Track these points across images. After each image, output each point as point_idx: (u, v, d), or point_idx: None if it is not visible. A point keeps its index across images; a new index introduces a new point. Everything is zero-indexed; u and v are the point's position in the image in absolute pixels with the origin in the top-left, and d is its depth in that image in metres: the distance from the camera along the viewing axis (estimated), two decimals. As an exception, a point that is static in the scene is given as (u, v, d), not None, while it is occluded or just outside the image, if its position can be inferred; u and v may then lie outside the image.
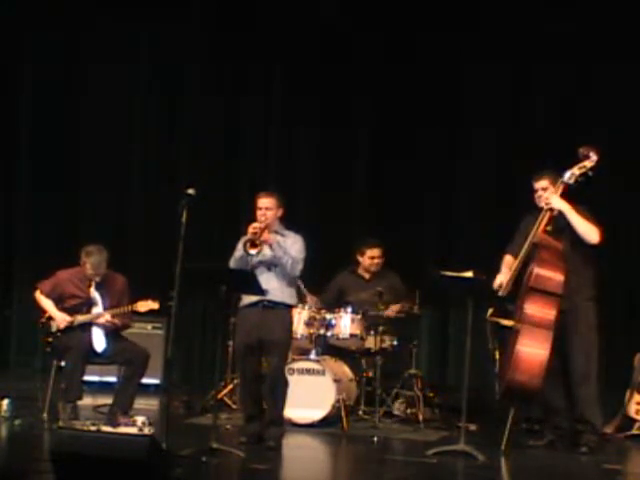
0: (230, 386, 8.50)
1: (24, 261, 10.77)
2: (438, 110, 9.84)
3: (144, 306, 7.72)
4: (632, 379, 7.90)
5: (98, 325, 7.71)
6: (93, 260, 7.73)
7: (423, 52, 9.86)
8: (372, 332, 8.26)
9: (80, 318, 7.70)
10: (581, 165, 7.06)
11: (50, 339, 7.73)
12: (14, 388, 8.48)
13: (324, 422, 7.84)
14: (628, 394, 7.88)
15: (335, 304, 8.57)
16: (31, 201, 10.85)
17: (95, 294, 7.80)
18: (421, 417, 8.09)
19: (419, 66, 9.85)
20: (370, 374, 8.29)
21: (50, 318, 7.73)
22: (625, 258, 9.32)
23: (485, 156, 9.83)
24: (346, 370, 8.26)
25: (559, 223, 7.06)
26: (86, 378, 7.86)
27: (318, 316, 8.26)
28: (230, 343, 8.56)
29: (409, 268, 8.81)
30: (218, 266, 6.99)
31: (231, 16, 10.37)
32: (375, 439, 7.46)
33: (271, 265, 7.00)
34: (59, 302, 7.77)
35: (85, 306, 7.77)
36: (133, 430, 6.76)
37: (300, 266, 7.04)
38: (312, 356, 8.08)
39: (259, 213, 7.01)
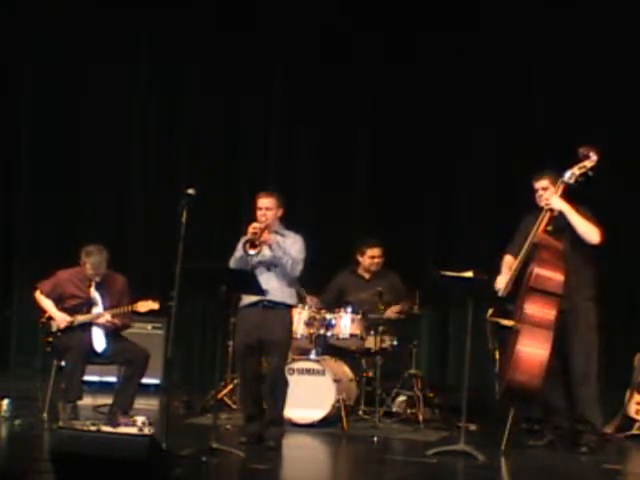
0: (230, 386, 8.49)
1: (24, 261, 10.76)
2: (438, 110, 9.83)
3: (144, 306, 7.72)
4: (632, 379, 7.90)
5: (98, 325, 7.71)
6: (93, 260, 7.73)
7: (423, 52, 9.86)
8: (372, 332, 8.25)
9: (80, 318, 7.70)
10: (581, 165, 7.06)
11: (50, 339, 7.73)
12: (14, 388, 8.47)
13: (324, 422, 7.84)
14: (628, 394, 7.87)
15: (335, 304, 8.56)
16: (31, 201, 10.84)
17: (95, 294, 7.80)
18: (421, 417, 8.08)
19: (419, 66, 9.85)
20: (370, 374, 8.29)
21: (50, 318, 7.73)
22: (625, 258, 9.32)
23: (485, 156, 9.82)
24: (346, 370, 8.26)
25: (559, 223, 7.05)
26: (86, 378, 7.85)
27: (318, 316, 8.26)
28: (230, 343, 8.55)
29: (409, 268, 8.81)
30: (218, 266, 6.98)
31: (231, 16, 10.37)
32: (375, 439, 7.45)
33: (271, 265, 6.99)
34: (59, 302, 7.77)
35: (85, 306, 7.77)
36: (133, 430, 6.76)
37: (300, 266, 7.03)
38: (312, 356, 8.08)
39: (259, 213, 7.01)
